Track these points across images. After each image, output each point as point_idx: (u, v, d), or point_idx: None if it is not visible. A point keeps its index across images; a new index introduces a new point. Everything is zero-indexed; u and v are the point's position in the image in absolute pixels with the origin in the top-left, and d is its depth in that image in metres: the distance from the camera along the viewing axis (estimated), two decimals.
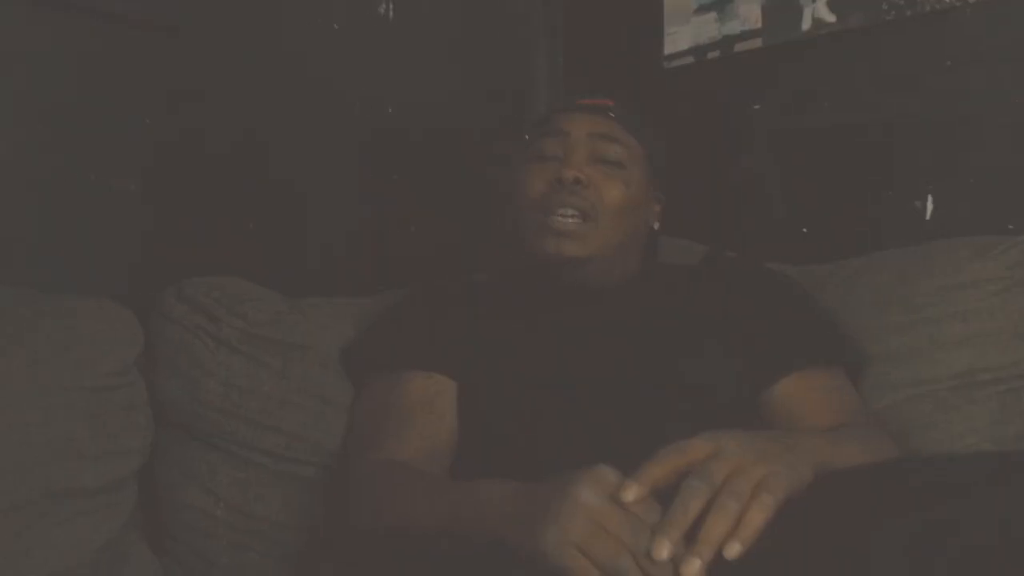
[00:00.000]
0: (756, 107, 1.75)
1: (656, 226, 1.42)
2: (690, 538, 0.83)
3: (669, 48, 1.86)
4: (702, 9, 1.81)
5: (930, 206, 1.57)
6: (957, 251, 1.34)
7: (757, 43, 1.75)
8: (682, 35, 1.84)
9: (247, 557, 1.28)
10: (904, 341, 1.29)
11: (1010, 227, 1.45)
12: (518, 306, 1.34)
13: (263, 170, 1.62)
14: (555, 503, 0.85)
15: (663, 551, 0.81)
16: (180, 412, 1.33)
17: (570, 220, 1.27)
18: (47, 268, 1.36)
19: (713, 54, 1.80)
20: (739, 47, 1.77)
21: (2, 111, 1.34)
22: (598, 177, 1.30)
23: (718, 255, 1.47)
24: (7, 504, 1.09)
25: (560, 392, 1.22)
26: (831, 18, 1.66)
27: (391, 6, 1.79)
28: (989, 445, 1.22)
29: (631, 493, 0.85)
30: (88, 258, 1.41)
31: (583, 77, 2.01)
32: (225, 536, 1.29)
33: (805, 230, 1.69)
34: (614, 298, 1.33)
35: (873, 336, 1.31)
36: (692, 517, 0.84)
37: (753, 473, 0.87)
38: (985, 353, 1.25)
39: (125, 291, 1.35)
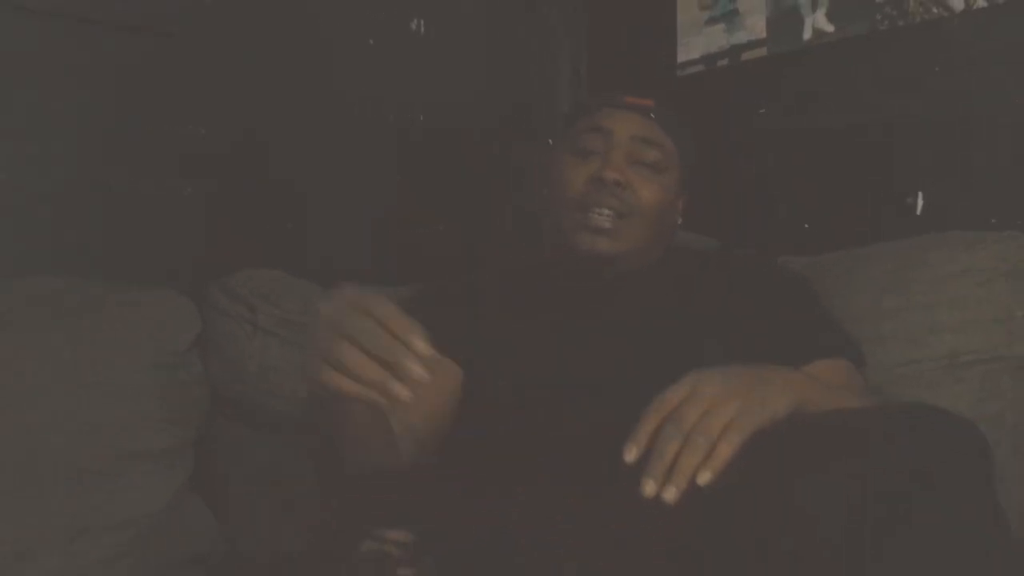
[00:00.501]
0: (761, 111, 1.86)
1: (680, 221, 1.47)
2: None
3: (682, 57, 1.98)
4: (712, 21, 1.94)
5: (920, 202, 1.67)
6: (949, 243, 1.42)
7: (762, 52, 1.86)
8: (694, 45, 1.97)
9: (285, 518, 1.44)
10: (897, 324, 1.38)
11: (993, 221, 1.53)
12: (534, 292, 1.40)
13: (303, 175, 1.78)
14: (309, 328, 0.89)
15: (649, 489, 0.90)
16: (227, 390, 1.50)
17: (606, 219, 1.31)
18: (117, 263, 1.54)
19: (722, 62, 1.92)
20: (746, 56, 1.89)
21: (69, 125, 1.52)
22: (636, 179, 1.34)
23: (730, 251, 1.55)
24: (89, 464, 1.27)
25: (569, 377, 1.27)
26: (830, 28, 1.77)
27: (422, 22, 1.95)
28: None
29: (631, 454, 0.93)
30: (153, 253, 1.58)
31: (604, 83, 2.14)
32: (266, 498, 1.44)
33: (807, 225, 1.80)
34: (630, 285, 1.37)
35: (869, 319, 1.39)
36: (669, 459, 0.92)
37: (723, 411, 0.93)
38: (970, 337, 1.34)
39: (187, 283, 1.53)
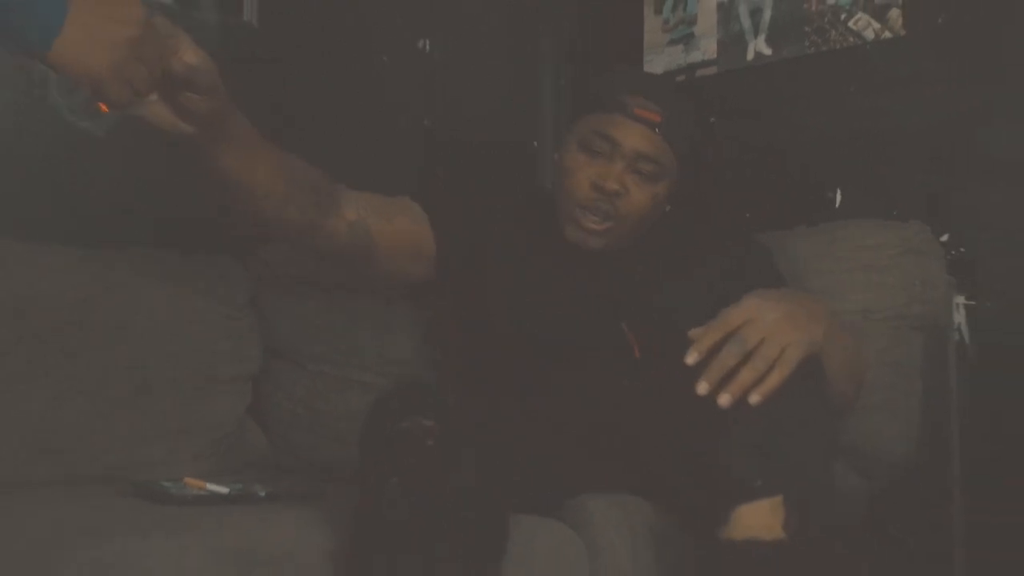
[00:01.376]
0: (712, 120, 2.19)
1: (667, 208, 1.55)
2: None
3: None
4: (672, 42, 2.25)
5: (839, 197, 1.98)
6: (867, 226, 1.72)
7: (713, 70, 2.17)
8: (657, 62, 2.27)
9: (317, 442, 1.77)
10: (825, 282, 1.66)
11: (895, 213, 1.81)
12: (537, 240, 1.53)
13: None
14: None
15: (703, 389, 1.14)
16: (270, 339, 1.80)
17: (598, 223, 1.45)
18: (180, 232, 1.81)
19: (680, 78, 2.22)
20: (699, 72, 2.20)
21: None
22: (633, 187, 1.45)
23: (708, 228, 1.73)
24: (179, 381, 1.62)
25: (554, 335, 1.48)
26: (768, 51, 2.08)
27: (427, 42, 2.24)
28: (880, 364, 1.60)
29: (692, 359, 1.15)
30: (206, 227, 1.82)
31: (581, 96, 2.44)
32: (304, 426, 1.77)
33: (748, 215, 2.12)
34: (613, 259, 1.51)
35: (806, 277, 1.66)
36: (726, 368, 1.14)
37: (780, 339, 1.14)
38: (879, 297, 1.64)
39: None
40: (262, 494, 1.22)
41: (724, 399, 1.14)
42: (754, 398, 1.13)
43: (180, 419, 1.60)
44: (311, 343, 1.79)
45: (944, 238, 1.79)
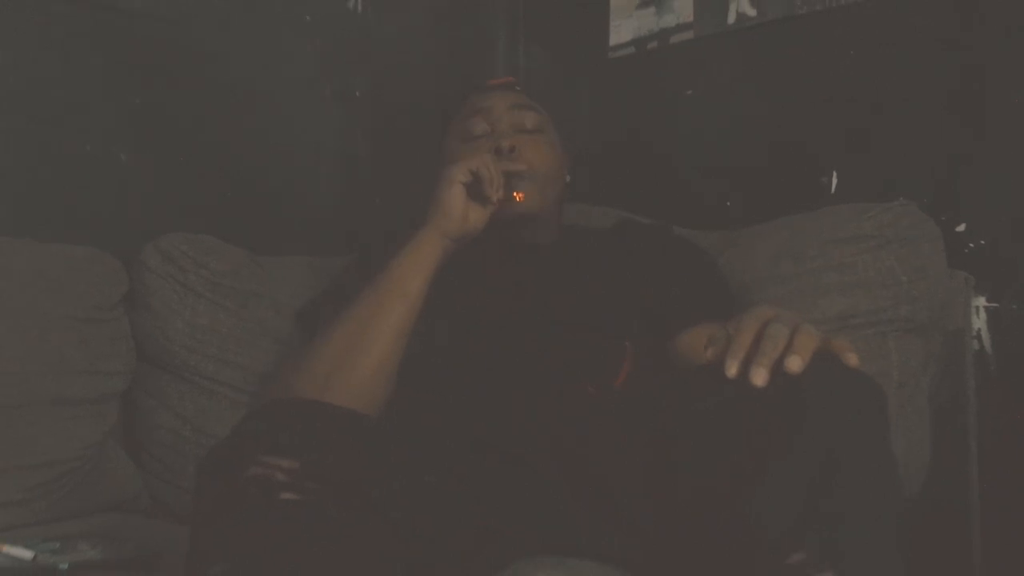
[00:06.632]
0: (689, 92, 1.93)
1: (568, 179, 1.58)
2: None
3: (614, 39, 2.04)
4: (643, 4, 1.99)
5: (835, 181, 1.73)
6: (838, 214, 1.50)
7: (689, 35, 1.92)
8: (625, 28, 2.02)
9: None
10: (790, 288, 1.45)
11: (900, 199, 1.57)
12: (460, 263, 1.45)
13: (242, 145, 1.82)
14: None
15: (732, 370, 0.94)
16: (155, 348, 1.54)
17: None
18: (51, 223, 1.57)
19: (652, 45, 1.98)
20: (674, 39, 1.95)
21: (21, 95, 1.56)
22: (526, 143, 1.47)
23: (631, 220, 1.63)
24: (17, 402, 1.34)
25: (496, 338, 1.33)
26: (752, 12, 1.83)
27: (359, 1, 2.00)
28: None
29: (733, 368, 0.95)
30: (86, 215, 1.62)
31: (542, 64, 2.20)
32: (190, 451, 1.50)
33: (729, 204, 1.86)
34: (548, 257, 1.47)
35: (765, 285, 1.47)
36: (769, 351, 0.95)
37: (805, 329, 0.98)
38: (858, 300, 1.41)
39: (119, 245, 1.57)
40: (64, 567, 0.92)
41: (759, 375, 0.93)
42: (794, 362, 0.93)
43: (7, 452, 1.30)
44: (205, 353, 1.54)
45: (960, 228, 1.56)
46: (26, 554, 0.96)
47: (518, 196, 1.39)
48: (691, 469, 0.93)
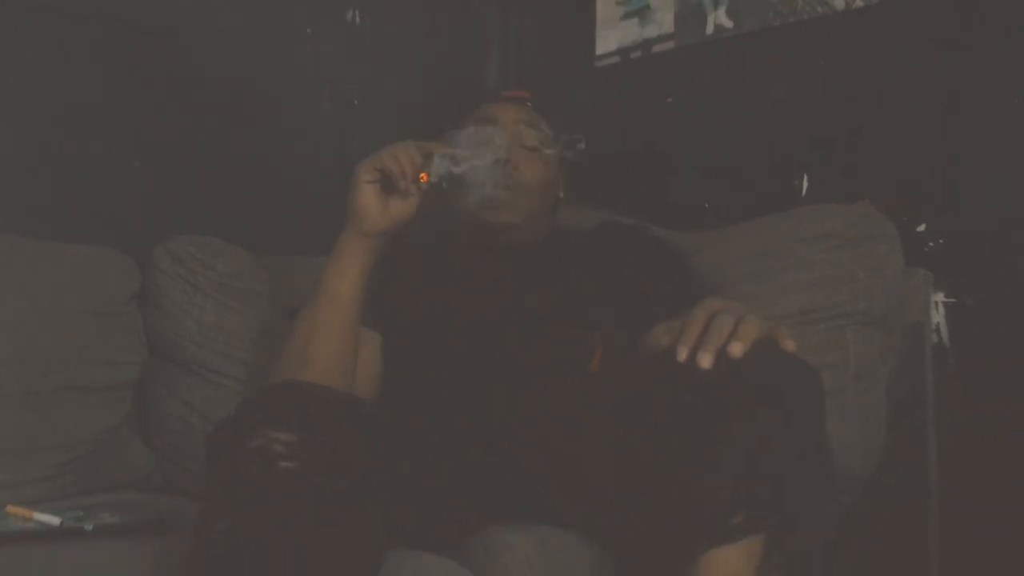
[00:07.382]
0: (670, 99, 2.02)
1: (561, 195, 1.63)
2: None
3: (600, 49, 2.13)
4: (627, 16, 2.09)
5: (805, 183, 1.82)
6: (801, 216, 1.57)
7: (671, 45, 2.01)
8: (611, 38, 2.11)
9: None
10: (753, 285, 1.51)
11: (869, 200, 1.61)
12: (445, 265, 1.55)
13: (247, 151, 1.92)
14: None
15: (683, 354, 1.03)
16: (165, 343, 1.64)
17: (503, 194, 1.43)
18: (70, 225, 1.67)
19: (635, 54, 2.07)
20: (656, 48, 2.04)
21: (40, 106, 1.67)
22: (522, 158, 1.51)
23: (612, 221, 1.71)
24: (36, 388, 1.43)
25: (480, 338, 1.40)
26: (729, 24, 1.92)
27: (357, 13, 2.09)
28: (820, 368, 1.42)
29: (683, 353, 1.04)
30: (102, 217, 1.73)
31: (531, 72, 2.29)
32: (198, 436, 1.58)
33: (706, 205, 1.95)
34: (530, 257, 1.54)
35: (731, 282, 1.53)
36: (715, 338, 1.05)
37: (749, 319, 1.07)
38: (813, 297, 1.48)
39: (131, 244, 1.67)
40: (89, 528, 1.03)
41: (705, 359, 1.03)
42: (736, 348, 1.03)
43: (34, 433, 1.40)
44: (212, 349, 1.65)
45: (920, 228, 1.64)
46: (54, 519, 1.06)
47: (423, 177, 1.30)
48: (647, 443, 1.03)
